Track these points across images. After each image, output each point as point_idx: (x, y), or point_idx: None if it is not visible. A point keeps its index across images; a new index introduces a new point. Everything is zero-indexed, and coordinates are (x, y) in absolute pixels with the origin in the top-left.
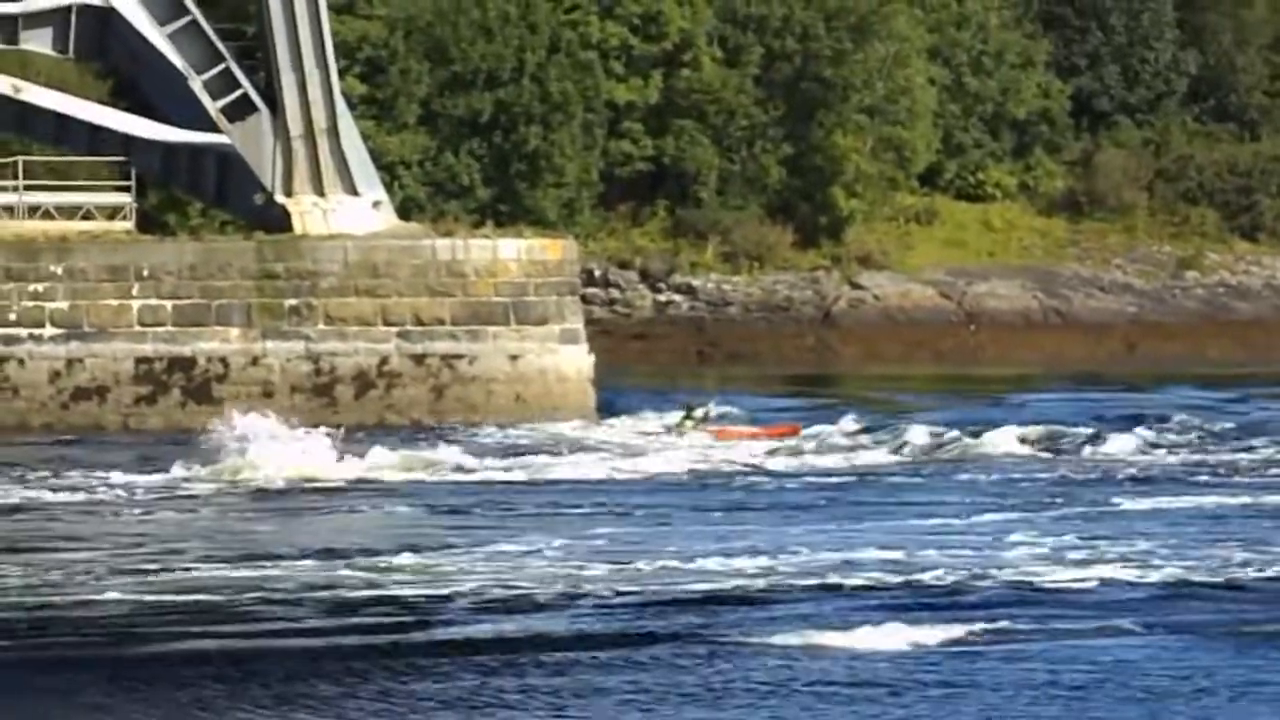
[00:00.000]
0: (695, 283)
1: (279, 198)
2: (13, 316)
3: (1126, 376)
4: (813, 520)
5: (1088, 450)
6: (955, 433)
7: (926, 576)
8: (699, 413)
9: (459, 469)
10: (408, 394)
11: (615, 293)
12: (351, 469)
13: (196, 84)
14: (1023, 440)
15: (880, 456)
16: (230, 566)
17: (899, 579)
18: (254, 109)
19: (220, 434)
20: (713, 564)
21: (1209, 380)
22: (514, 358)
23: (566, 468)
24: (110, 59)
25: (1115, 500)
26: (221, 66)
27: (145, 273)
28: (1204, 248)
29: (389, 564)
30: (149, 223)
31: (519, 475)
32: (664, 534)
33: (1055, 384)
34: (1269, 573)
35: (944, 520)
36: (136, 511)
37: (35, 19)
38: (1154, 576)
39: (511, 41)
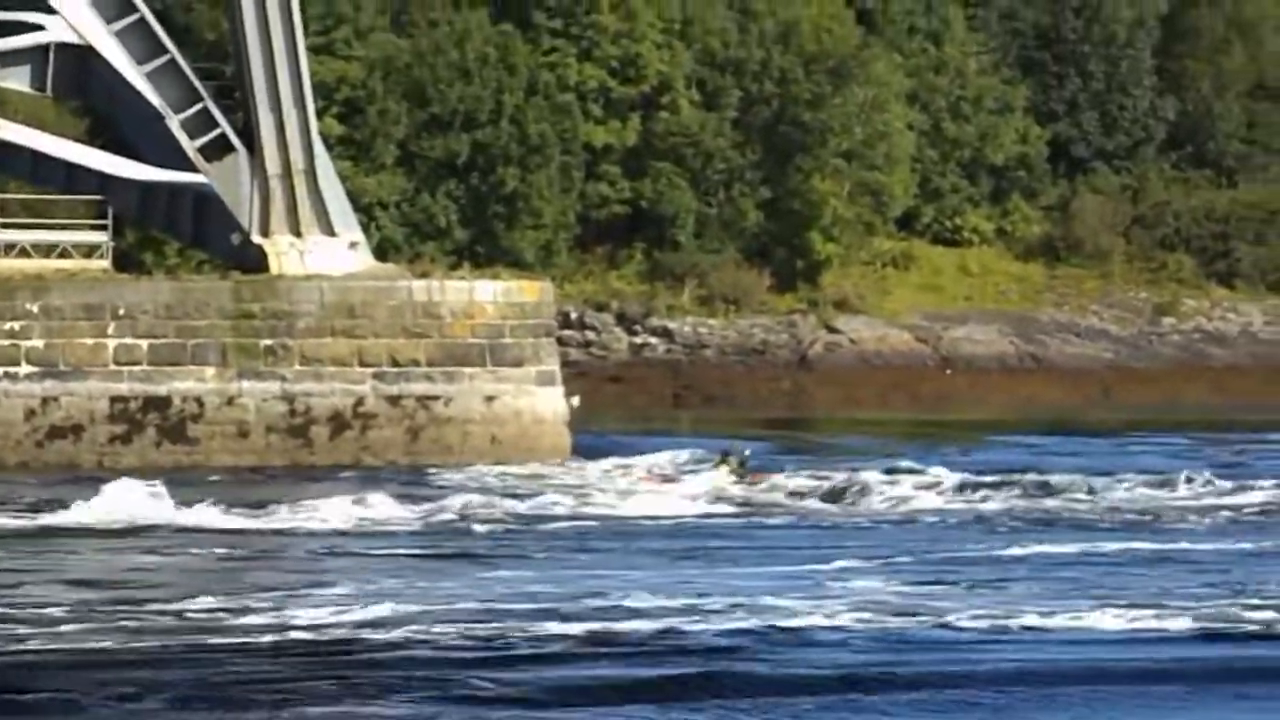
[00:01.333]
0: (671, 325)
1: (256, 238)
2: None
3: (1098, 423)
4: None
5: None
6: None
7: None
8: (734, 460)
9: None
10: (383, 435)
11: (591, 335)
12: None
13: (174, 123)
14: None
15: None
16: None
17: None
18: (231, 149)
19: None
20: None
21: (1185, 426)
22: (490, 399)
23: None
24: (88, 97)
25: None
26: (199, 106)
27: (121, 311)
28: (1180, 294)
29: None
30: (126, 261)
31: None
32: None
33: (1027, 429)
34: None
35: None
36: None
37: (12, 56)
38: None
39: (489, 83)
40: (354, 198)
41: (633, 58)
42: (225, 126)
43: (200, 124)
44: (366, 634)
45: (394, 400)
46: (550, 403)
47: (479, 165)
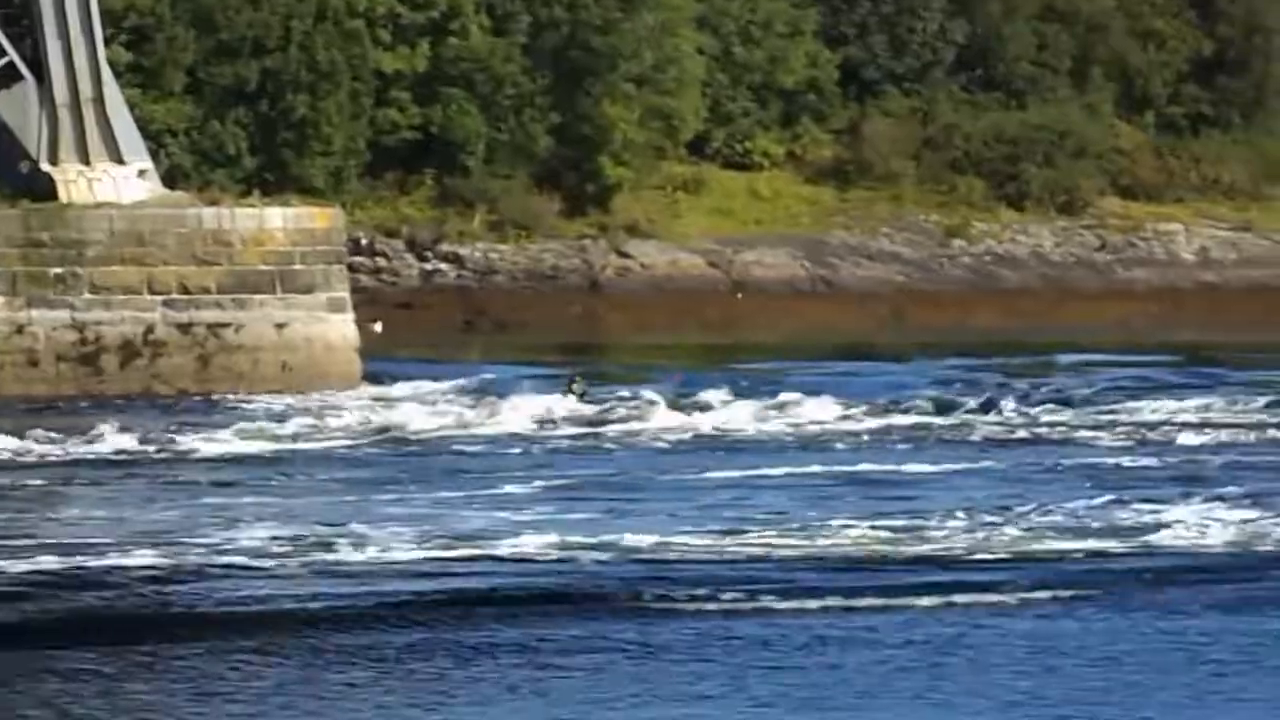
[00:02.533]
0: (462, 252)
1: (45, 166)
2: None
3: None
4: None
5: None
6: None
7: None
8: (578, 387)
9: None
10: (173, 363)
11: (382, 261)
12: None
13: None
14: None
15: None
16: None
17: None
18: (19, 77)
19: None
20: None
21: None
22: (280, 326)
23: None
24: None
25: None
26: None
27: None
28: (971, 216)
29: None
30: None
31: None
32: None
33: (818, 354)
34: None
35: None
36: None
37: None
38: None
39: (278, 9)
40: (143, 125)
41: None
42: (12, 54)
43: None
44: None
45: (184, 328)
46: (341, 329)
47: (268, 92)
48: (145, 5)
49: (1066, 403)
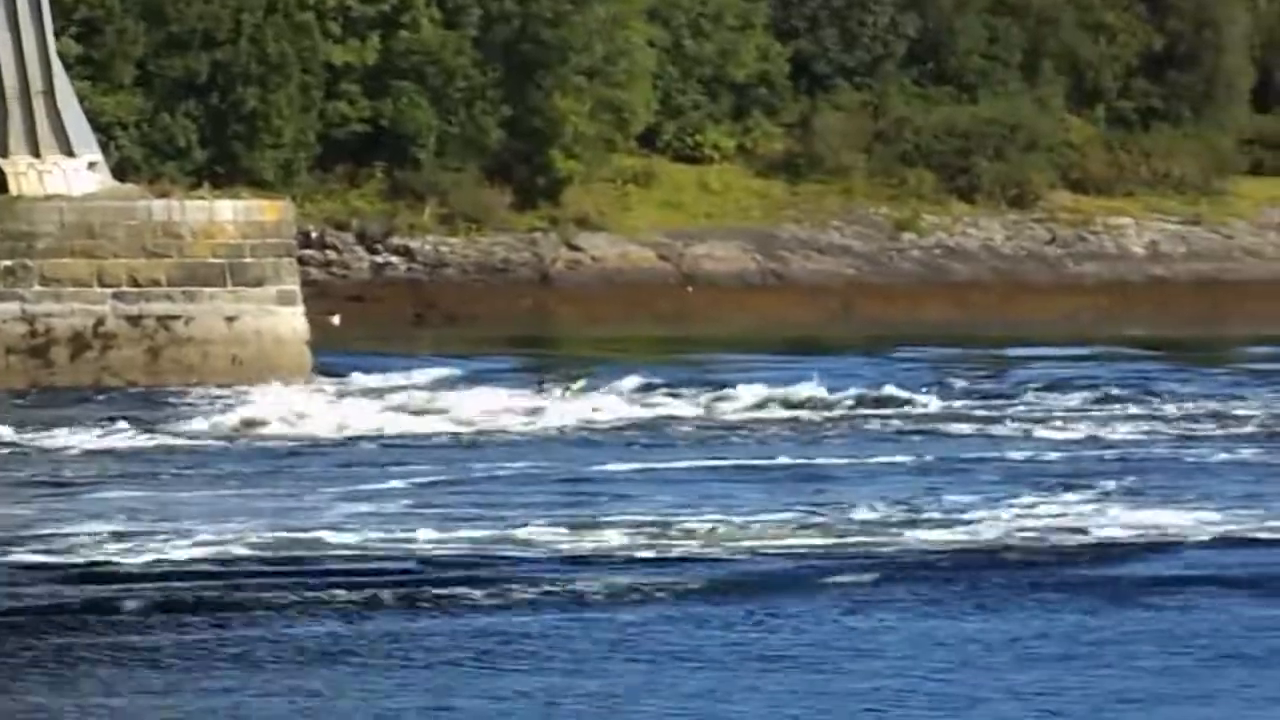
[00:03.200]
0: (413, 244)
1: None
2: None
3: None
4: None
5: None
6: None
7: None
8: (578, 385)
9: None
10: (123, 355)
11: (332, 254)
12: None
13: None
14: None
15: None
16: None
17: None
18: None
19: None
20: None
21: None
22: (230, 319)
23: None
24: None
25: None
26: None
27: None
28: (921, 209)
29: None
30: None
31: None
32: None
33: (767, 347)
34: None
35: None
36: None
37: None
38: None
39: (228, 2)
40: (93, 118)
41: None
42: None
43: None
44: None
45: (134, 320)
46: (291, 322)
47: (218, 84)
48: None
49: (988, 395)
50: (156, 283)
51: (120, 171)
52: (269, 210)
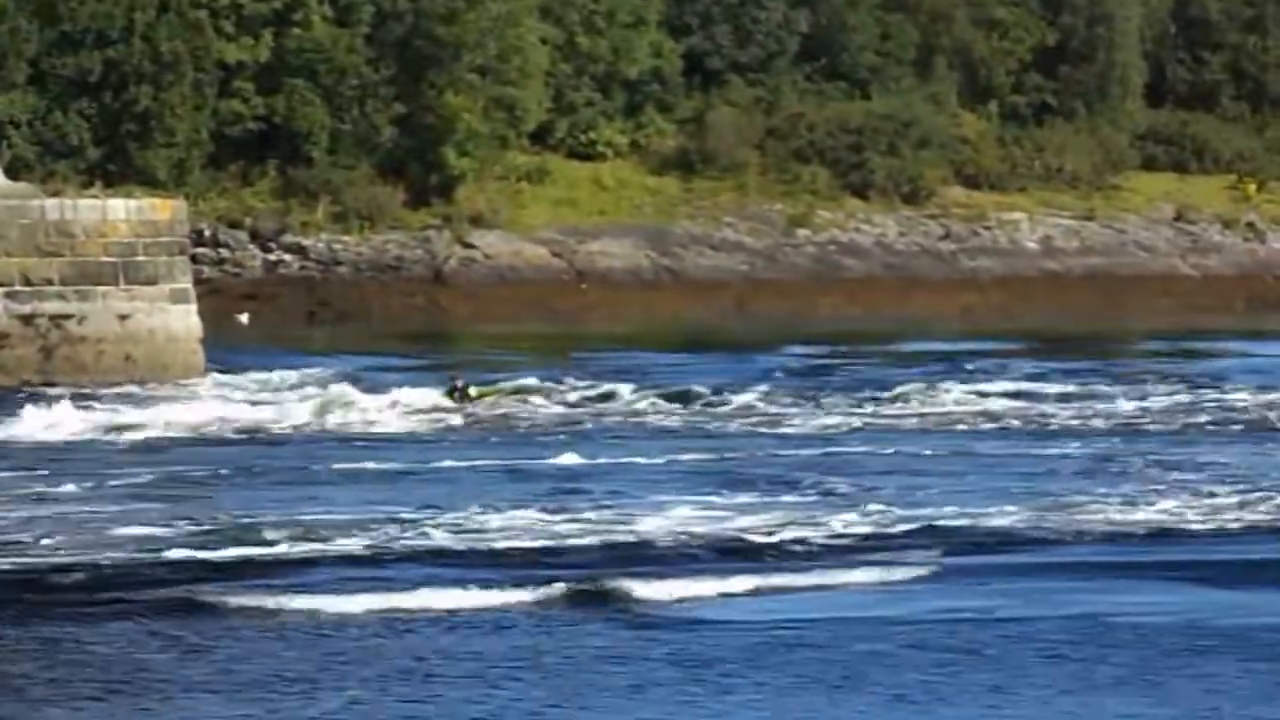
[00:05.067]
0: (306, 242)
1: None
2: None
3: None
4: None
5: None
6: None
7: None
8: (473, 390)
9: None
10: (16, 354)
11: (225, 252)
12: None
13: None
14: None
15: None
16: None
17: None
18: None
19: None
20: None
21: (817, 339)
22: (124, 318)
23: None
24: None
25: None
26: None
27: None
28: (815, 205)
29: None
30: None
31: None
32: None
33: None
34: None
35: None
36: None
37: None
38: None
39: (121, 1)
40: None
41: None
42: None
43: None
44: None
45: (27, 319)
46: (184, 321)
47: (111, 83)
48: None
49: (846, 389)
50: (49, 282)
51: (13, 170)
52: (162, 209)
